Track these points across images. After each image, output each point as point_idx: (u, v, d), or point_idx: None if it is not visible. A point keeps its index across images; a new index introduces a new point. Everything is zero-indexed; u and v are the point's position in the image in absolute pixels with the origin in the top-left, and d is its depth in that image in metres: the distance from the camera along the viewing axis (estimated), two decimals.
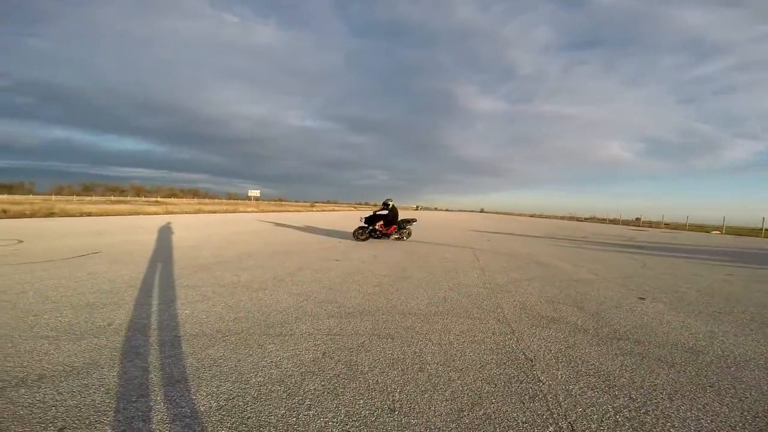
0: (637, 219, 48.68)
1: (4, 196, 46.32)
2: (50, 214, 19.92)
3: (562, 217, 66.47)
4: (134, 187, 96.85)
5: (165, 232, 10.73)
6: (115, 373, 2.19)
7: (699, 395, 2.27)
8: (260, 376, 2.27)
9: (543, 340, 3.14)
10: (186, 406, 1.91)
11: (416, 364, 2.55)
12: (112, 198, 58.03)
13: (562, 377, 2.45)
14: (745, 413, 2.08)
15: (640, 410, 2.09)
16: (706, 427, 1.94)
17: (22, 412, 1.76)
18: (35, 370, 2.16)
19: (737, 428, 1.93)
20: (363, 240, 10.60)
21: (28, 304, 3.40)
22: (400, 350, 2.77)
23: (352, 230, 12.19)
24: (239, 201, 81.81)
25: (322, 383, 2.22)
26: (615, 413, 2.05)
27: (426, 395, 2.14)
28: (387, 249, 8.85)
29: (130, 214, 23.00)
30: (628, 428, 1.90)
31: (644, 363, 2.75)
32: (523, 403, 2.10)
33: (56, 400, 1.88)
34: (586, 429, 1.88)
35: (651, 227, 37.86)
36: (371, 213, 11.42)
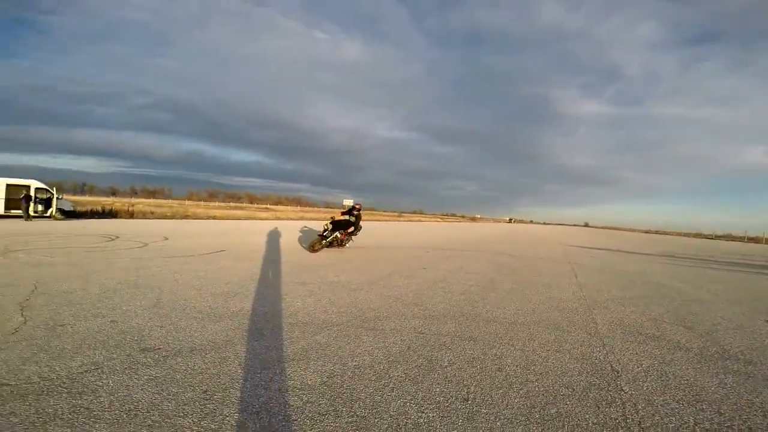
0: None
1: (151, 200, 56.84)
2: (185, 217, 23.89)
3: (686, 234, 56.44)
4: (248, 195, 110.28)
5: (274, 235, 11.98)
6: (244, 349, 2.54)
7: None
8: (355, 360, 2.51)
9: (636, 355, 2.89)
10: (297, 379, 2.18)
11: (495, 364, 2.57)
12: (231, 204, 66.92)
13: (647, 389, 2.30)
14: None
15: (725, 424, 1.92)
16: None
17: (178, 377, 2.12)
18: (188, 344, 2.60)
19: None
20: (316, 251, 8.37)
21: (179, 291, 4.10)
22: (481, 351, 2.81)
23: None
24: (336, 209, 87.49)
25: (405, 371, 2.38)
26: (695, 424, 1.90)
27: (500, 391, 2.18)
28: (469, 260, 8.57)
29: (246, 218, 26.42)
30: None
31: (748, 382, 2.48)
32: (599, 407, 2.04)
33: (202, 369, 2.23)
34: None
35: None
36: (340, 218, 9.47)
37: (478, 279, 5.98)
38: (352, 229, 9.52)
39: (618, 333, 3.43)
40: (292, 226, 18.02)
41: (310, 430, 1.67)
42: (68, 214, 16.64)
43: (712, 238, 45.99)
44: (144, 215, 22.16)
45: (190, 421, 1.68)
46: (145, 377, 2.06)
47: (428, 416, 1.85)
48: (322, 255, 7.90)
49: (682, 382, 2.41)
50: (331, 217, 9.62)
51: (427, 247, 11.49)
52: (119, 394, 1.86)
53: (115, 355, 2.32)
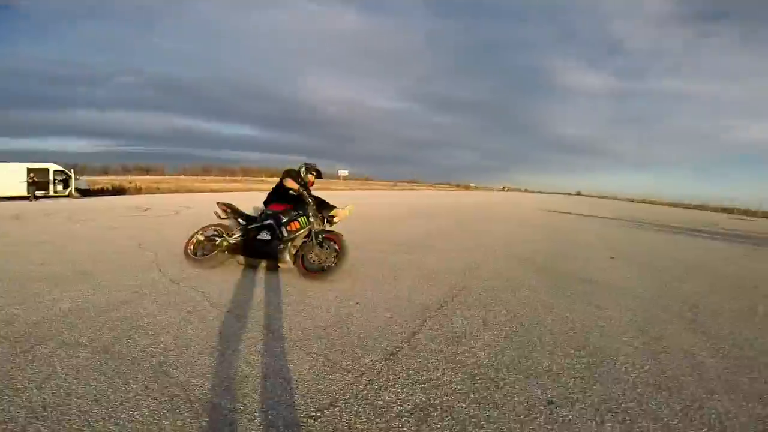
0: None
1: (146, 177, 58.05)
2: (190, 191, 25.97)
3: (672, 204, 58.67)
4: (243, 169, 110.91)
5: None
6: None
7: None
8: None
9: (505, 265, 4.92)
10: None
11: (421, 262, 4.69)
12: (228, 178, 68.65)
13: (500, 283, 4.30)
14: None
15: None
16: None
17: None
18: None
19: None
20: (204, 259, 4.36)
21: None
22: (414, 256, 4.89)
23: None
24: (331, 180, 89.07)
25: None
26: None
27: (415, 270, 4.26)
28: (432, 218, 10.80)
29: (245, 190, 28.48)
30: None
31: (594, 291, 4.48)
32: (464, 275, 4.09)
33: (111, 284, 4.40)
34: None
35: None
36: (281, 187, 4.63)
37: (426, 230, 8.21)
38: (296, 213, 4.66)
39: (501, 254, 5.69)
40: None
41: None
42: (84, 193, 18.72)
43: (690, 208, 48.40)
44: (151, 191, 24.16)
45: None
46: None
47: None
48: None
49: (526, 282, 4.32)
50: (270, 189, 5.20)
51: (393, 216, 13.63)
52: None
53: None
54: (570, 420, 1.75)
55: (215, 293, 3.33)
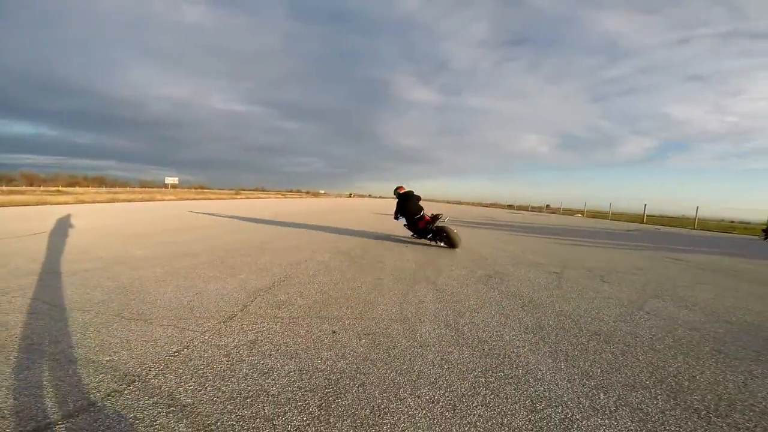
0: (547, 206, 57.54)
1: None
2: None
3: (478, 204, 74.55)
4: (25, 176, 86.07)
5: (82, 220, 12.53)
6: None
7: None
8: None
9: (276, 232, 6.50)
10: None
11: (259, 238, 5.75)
12: (4, 188, 52.30)
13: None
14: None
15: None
16: None
17: None
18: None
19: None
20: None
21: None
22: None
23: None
24: (155, 189, 77.76)
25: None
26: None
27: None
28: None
29: (37, 204, 22.80)
30: None
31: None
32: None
33: None
34: None
35: (534, 212, 45.45)
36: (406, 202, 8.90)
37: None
38: (424, 213, 8.75)
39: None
40: (104, 209, 17.60)
41: None
42: None
43: (486, 206, 62.45)
44: None
45: None
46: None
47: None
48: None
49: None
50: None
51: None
52: None
53: None
54: (342, 340, 3.27)
55: None
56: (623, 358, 3.04)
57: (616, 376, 2.72)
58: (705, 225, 29.09)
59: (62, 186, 72.13)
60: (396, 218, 9.17)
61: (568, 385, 2.52)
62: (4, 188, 52.96)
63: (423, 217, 8.57)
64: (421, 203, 9.30)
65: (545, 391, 2.44)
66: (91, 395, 2.18)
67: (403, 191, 9.11)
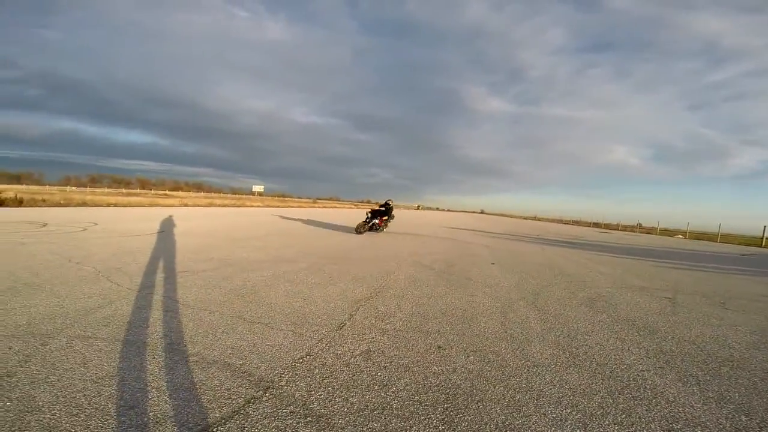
0: (639, 225, 50.65)
1: (18, 186, 48.84)
2: (82, 204, 23.19)
3: (558, 221, 69.37)
4: (140, 180, 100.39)
5: (194, 223, 13.89)
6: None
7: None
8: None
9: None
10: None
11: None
12: (124, 191, 61.57)
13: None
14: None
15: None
16: None
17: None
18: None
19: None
20: (362, 233, 12.53)
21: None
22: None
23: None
24: (244, 195, 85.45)
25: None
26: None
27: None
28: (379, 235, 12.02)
29: (150, 206, 26.27)
30: None
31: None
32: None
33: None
34: None
35: (625, 231, 40.84)
36: (377, 208, 13.66)
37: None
38: (386, 217, 13.64)
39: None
40: (207, 213, 19.51)
41: None
42: None
43: (569, 224, 57.81)
44: (34, 203, 21.16)
45: None
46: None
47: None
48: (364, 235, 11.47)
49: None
50: (370, 209, 13.85)
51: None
52: None
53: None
54: (450, 355, 2.97)
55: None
56: (762, 384, 2.77)
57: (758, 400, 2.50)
58: None
59: (168, 190, 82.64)
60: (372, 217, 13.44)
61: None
62: (123, 190, 62.18)
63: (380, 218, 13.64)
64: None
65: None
66: (233, 401, 2.14)
67: (384, 202, 14.17)
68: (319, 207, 48.53)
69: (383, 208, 13.73)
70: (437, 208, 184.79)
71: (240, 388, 2.27)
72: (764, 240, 27.06)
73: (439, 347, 3.11)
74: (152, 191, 71.14)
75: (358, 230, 12.63)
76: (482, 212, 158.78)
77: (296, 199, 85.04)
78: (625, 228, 47.68)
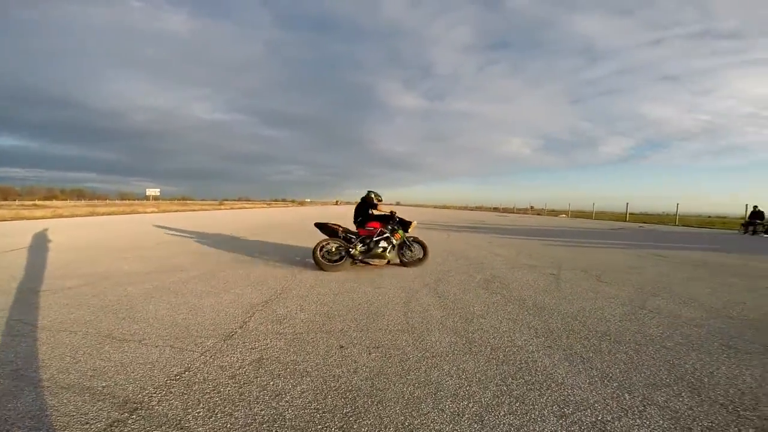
0: (531, 207, 57.71)
1: None
2: None
3: (464, 208, 75.11)
4: (0, 189, 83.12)
5: (66, 235, 12.04)
6: None
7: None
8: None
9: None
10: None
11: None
12: None
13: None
14: None
15: None
16: None
17: None
18: None
19: None
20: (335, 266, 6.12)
21: None
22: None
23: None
24: (135, 201, 75.96)
25: None
26: None
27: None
28: None
29: (13, 219, 21.85)
30: None
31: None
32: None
33: None
34: None
35: (519, 213, 46.06)
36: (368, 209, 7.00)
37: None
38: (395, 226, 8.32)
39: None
40: (80, 223, 16.98)
41: None
42: None
43: (471, 210, 63.12)
44: None
45: None
46: None
47: None
48: None
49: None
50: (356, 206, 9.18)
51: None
52: None
53: None
54: (352, 354, 3.14)
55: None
56: (638, 357, 3.01)
57: (636, 375, 2.69)
58: (685, 221, 30.04)
59: (39, 200, 69.77)
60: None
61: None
62: None
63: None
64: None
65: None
66: (91, 426, 2.00)
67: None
68: (225, 209, 45.40)
69: (377, 212, 6.99)
70: (356, 202, 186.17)
71: (100, 411, 2.11)
72: (627, 215, 33.43)
73: (342, 347, 3.06)
74: (17, 202, 59.13)
75: (324, 259, 6.21)
76: (398, 204, 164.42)
77: (199, 202, 78.20)
78: (519, 211, 53.99)
